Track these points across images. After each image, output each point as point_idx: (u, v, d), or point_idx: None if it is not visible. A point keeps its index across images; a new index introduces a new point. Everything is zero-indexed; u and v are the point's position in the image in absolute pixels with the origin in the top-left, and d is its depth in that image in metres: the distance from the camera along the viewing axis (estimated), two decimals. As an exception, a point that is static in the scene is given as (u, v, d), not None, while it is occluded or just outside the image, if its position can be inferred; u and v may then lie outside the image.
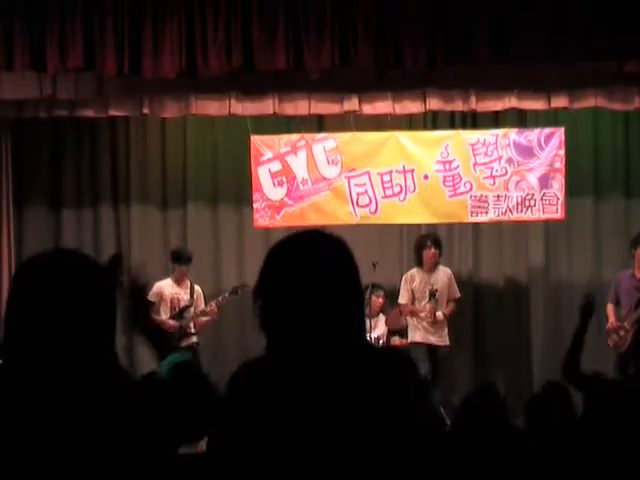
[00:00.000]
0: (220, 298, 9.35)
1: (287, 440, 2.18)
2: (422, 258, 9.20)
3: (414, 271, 9.26)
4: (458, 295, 9.39)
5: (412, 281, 9.20)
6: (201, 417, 2.39)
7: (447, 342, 9.20)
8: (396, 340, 9.43)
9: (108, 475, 2.13)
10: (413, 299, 9.20)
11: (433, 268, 9.19)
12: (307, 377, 2.22)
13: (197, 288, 9.41)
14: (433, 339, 9.11)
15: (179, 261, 9.30)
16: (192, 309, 9.28)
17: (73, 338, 2.18)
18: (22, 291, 2.23)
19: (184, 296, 9.27)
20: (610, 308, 8.92)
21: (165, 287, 9.26)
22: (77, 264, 2.26)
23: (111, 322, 2.28)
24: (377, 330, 9.37)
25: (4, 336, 2.22)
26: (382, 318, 9.52)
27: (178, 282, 9.32)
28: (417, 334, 9.13)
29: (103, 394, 2.18)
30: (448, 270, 9.40)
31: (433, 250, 9.14)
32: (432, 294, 9.08)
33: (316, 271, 2.25)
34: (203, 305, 9.35)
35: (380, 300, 9.48)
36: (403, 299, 9.21)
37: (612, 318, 8.88)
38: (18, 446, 2.12)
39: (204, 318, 9.35)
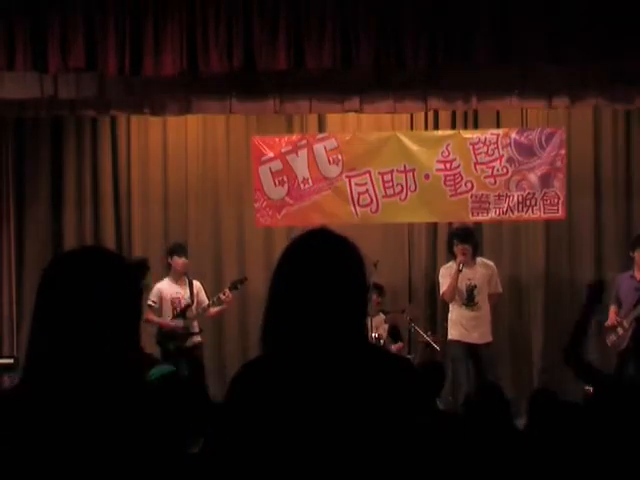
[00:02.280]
0: (223, 295, 9.28)
1: (289, 442, 2.19)
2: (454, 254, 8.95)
3: (451, 264, 8.98)
4: (500, 290, 9.16)
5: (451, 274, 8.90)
6: (196, 422, 2.40)
7: (489, 339, 8.93)
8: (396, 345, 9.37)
9: (121, 473, 2.15)
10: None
11: (469, 263, 8.91)
12: (309, 378, 2.22)
13: (196, 283, 9.32)
14: (474, 336, 8.84)
15: (178, 253, 9.24)
16: (194, 307, 9.24)
17: (96, 336, 2.18)
18: (49, 289, 2.22)
19: (184, 295, 9.24)
20: (612, 310, 8.90)
21: (164, 288, 9.22)
22: (103, 262, 2.26)
23: (135, 322, 2.28)
24: (377, 330, 9.36)
25: (30, 332, 2.23)
26: (382, 317, 9.50)
27: (176, 279, 9.25)
28: (455, 331, 8.88)
29: (124, 394, 2.19)
30: (490, 263, 9.14)
31: (460, 246, 8.86)
32: (470, 290, 8.88)
33: (329, 271, 2.27)
34: (206, 298, 9.29)
35: (377, 299, 9.40)
36: (444, 288, 8.95)
37: (612, 318, 8.88)
38: (39, 444, 2.14)
39: (217, 308, 9.31)
